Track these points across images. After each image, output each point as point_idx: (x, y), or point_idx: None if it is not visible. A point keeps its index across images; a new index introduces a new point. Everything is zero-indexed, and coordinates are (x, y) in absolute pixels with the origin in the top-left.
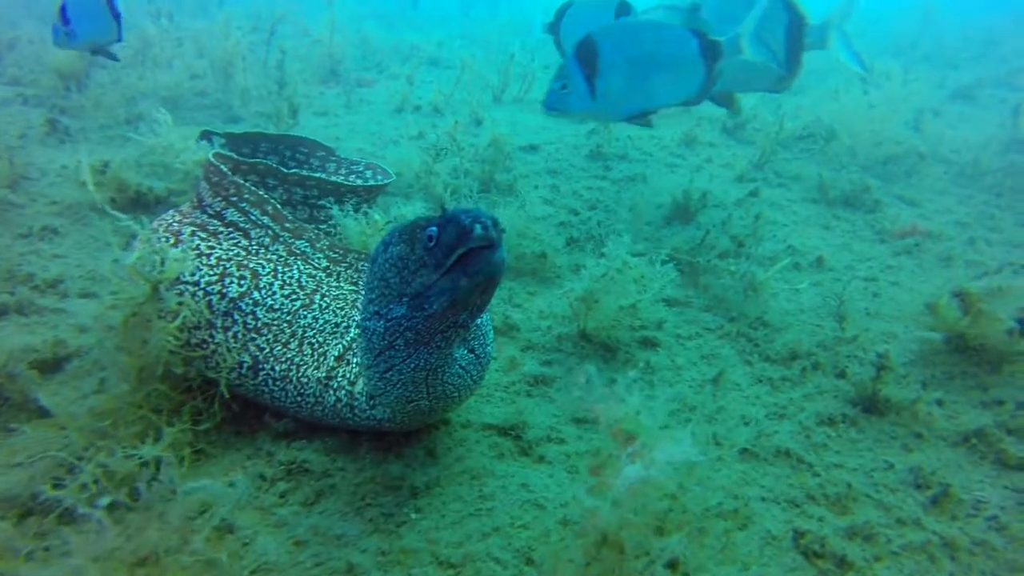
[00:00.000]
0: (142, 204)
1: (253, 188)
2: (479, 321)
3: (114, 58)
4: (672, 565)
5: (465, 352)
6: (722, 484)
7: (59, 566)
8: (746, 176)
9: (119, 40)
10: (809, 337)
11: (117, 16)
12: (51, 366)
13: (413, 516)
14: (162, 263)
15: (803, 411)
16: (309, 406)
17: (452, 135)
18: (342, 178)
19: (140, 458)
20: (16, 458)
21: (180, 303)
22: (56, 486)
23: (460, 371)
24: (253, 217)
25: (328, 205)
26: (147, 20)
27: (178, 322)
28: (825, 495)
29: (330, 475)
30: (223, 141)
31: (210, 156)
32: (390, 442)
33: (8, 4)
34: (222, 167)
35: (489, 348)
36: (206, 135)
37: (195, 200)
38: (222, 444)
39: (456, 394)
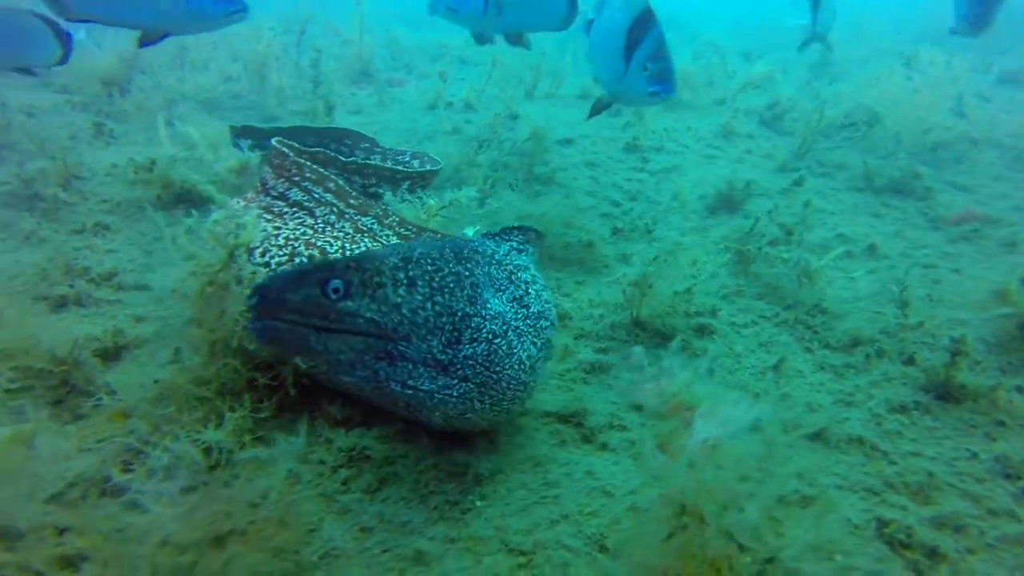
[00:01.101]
0: (187, 200)
1: (314, 167)
2: (468, 352)
3: (32, 73)
4: (756, 538)
5: (456, 382)
6: (796, 471)
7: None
8: (788, 166)
9: (64, 62)
10: (870, 324)
11: (65, 37)
12: (112, 355)
13: (478, 504)
14: (238, 228)
15: (872, 398)
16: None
17: (494, 127)
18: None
19: (204, 443)
20: (86, 442)
21: (254, 272)
22: (125, 470)
23: (454, 400)
24: (316, 195)
25: (383, 192)
26: None
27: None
28: (905, 484)
29: (391, 462)
30: (250, 143)
31: (273, 142)
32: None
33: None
34: (284, 150)
35: (508, 373)
36: (239, 134)
37: (259, 185)
38: (281, 431)
39: (468, 417)
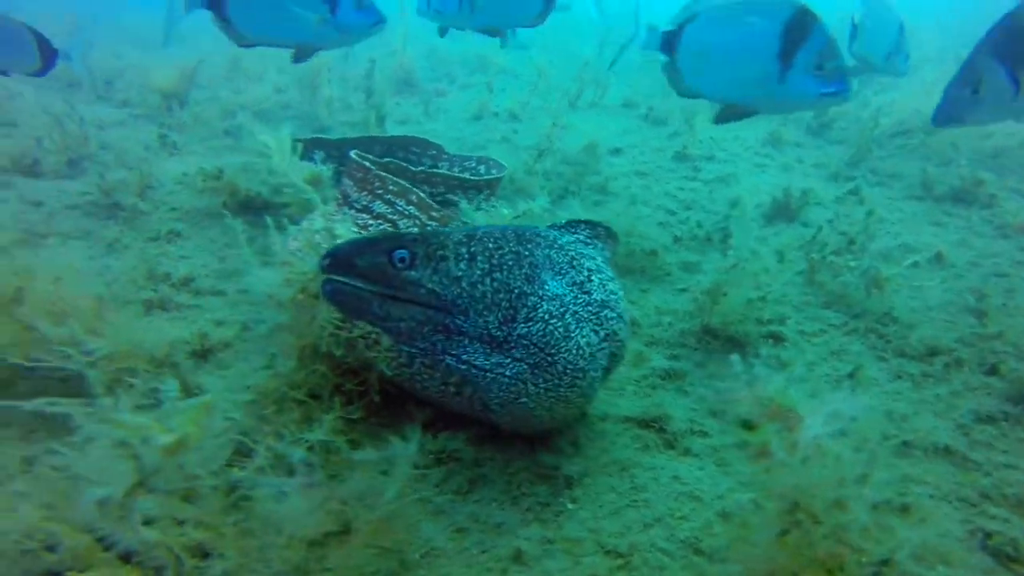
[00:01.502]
0: (252, 208)
1: (396, 179)
2: (522, 331)
3: (5, 74)
4: (867, 539)
5: (510, 361)
6: (886, 480)
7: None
8: (841, 174)
9: (42, 74)
10: (945, 333)
11: (49, 51)
12: (200, 356)
13: (570, 506)
14: (333, 238)
15: (955, 408)
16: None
17: (550, 137)
18: (459, 172)
19: (307, 442)
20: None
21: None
22: (236, 467)
23: (507, 380)
24: (400, 208)
25: (457, 199)
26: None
27: None
28: (1003, 496)
29: (480, 464)
30: (323, 155)
31: (352, 155)
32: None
33: (114, 37)
34: (365, 163)
35: (564, 356)
36: (309, 146)
37: (340, 198)
38: (369, 434)
39: (524, 402)
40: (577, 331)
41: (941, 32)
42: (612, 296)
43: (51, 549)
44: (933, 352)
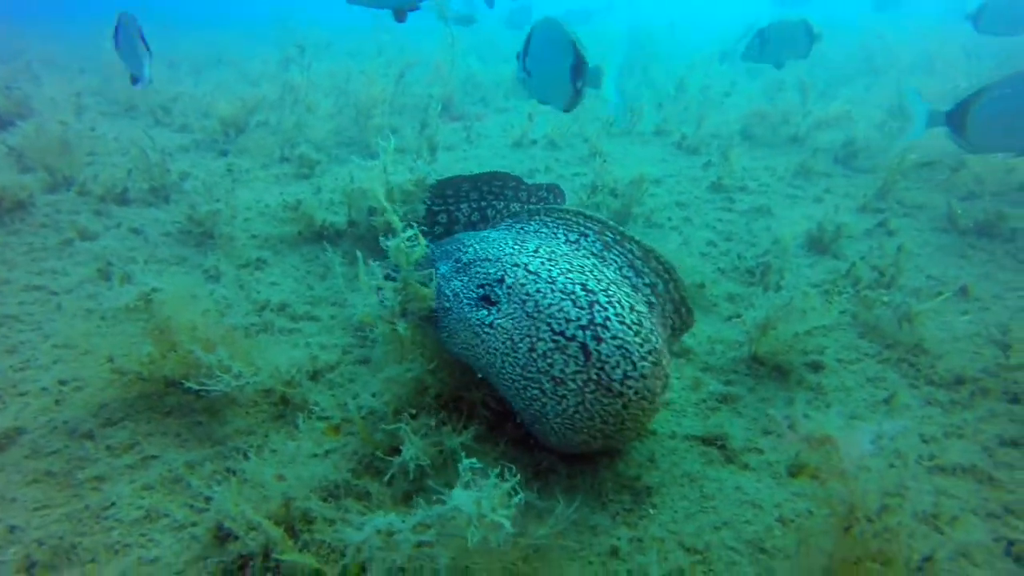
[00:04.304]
0: (326, 237)
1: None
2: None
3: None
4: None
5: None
6: (923, 492)
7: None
8: (869, 206)
9: None
10: (971, 363)
11: None
12: (312, 377)
13: (651, 511)
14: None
15: (982, 432)
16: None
17: (600, 172)
18: (535, 202)
19: (442, 445)
20: (317, 450)
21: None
22: (368, 476)
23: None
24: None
25: None
26: (295, 69)
27: None
28: None
29: (571, 476)
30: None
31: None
32: (616, 450)
33: (168, 69)
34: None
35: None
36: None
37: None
38: (468, 449)
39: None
40: (438, 276)
41: (970, 62)
42: (486, 252)
43: (247, 536)
44: (960, 381)
